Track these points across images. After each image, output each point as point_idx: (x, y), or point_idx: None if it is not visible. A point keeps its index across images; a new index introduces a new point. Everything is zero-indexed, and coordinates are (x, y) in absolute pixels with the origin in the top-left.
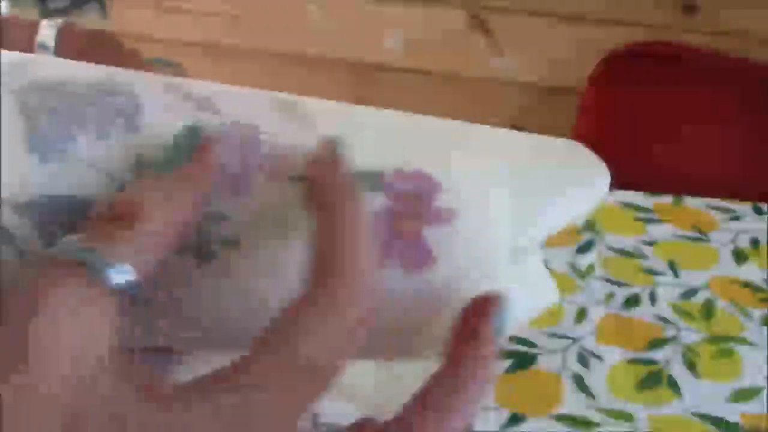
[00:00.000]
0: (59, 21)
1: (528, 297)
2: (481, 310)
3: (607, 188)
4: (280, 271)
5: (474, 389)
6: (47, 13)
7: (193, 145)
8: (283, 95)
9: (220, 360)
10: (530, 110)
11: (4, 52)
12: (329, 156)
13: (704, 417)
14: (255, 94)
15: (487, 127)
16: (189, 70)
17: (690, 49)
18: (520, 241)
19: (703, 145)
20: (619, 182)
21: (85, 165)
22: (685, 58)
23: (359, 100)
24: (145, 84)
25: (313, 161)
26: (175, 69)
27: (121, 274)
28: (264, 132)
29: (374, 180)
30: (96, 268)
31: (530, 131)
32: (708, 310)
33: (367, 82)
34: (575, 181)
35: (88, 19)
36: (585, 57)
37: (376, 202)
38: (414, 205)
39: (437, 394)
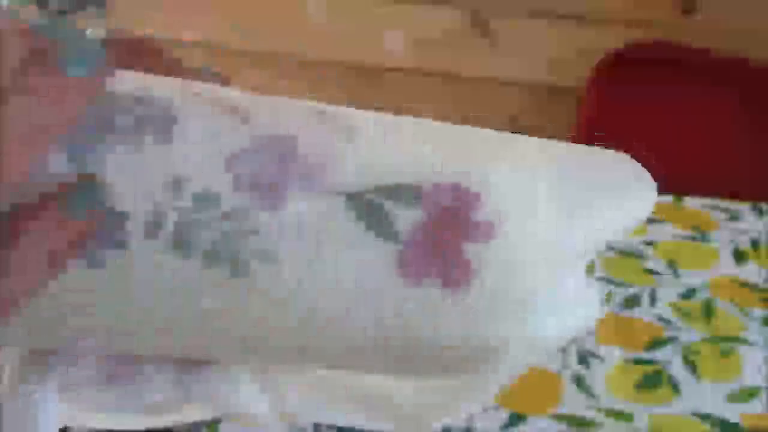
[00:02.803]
0: (98, 32)
1: (570, 313)
2: None
3: (653, 202)
4: (318, 286)
5: None
6: (48, 14)
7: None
8: (323, 106)
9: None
10: (530, 110)
11: None
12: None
13: (704, 417)
14: (294, 104)
15: (527, 136)
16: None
17: (690, 49)
18: (563, 255)
19: (703, 145)
20: None
21: (123, 179)
22: (685, 58)
23: (359, 101)
24: (181, 93)
25: None
26: (219, 77)
27: None
28: (302, 144)
29: (411, 193)
30: None
31: (530, 131)
32: (708, 310)
33: (367, 82)
34: (621, 194)
35: (88, 20)
36: (585, 57)
37: (413, 216)
38: (452, 219)
39: None
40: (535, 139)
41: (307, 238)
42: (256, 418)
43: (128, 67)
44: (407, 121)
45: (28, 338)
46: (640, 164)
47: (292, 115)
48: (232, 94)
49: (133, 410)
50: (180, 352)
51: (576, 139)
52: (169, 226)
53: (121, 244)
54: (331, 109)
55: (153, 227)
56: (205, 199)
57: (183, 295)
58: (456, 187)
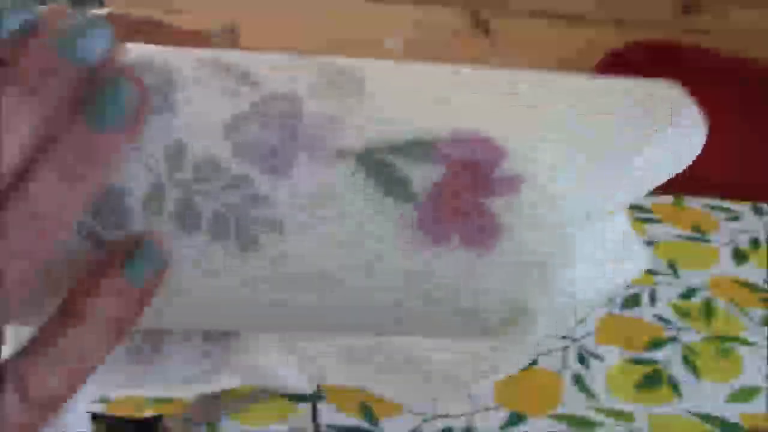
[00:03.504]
0: (102, 11)
1: (612, 265)
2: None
3: (703, 136)
4: (328, 252)
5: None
6: None
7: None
8: (331, 59)
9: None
10: None
11: None
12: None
13: (704, 417)
14: (298, 61)
15: (552, 73)
16: None
17: (690, 49)
18: (599, 203)
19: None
20: None
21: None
22: (685, 58)
23: None
24: (181, 59)
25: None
26: (224, 32)
27: None
28: (307, 103)
29: (427, 149)
30: None
31: None
32: (708, 310)
33: (323, 56)
34: (664, 130)
35: None
36: (585, 57)
37: (430, 174)
38: (474, 175)
39: (46, 340)
40: (561, 80)
41: (315, 205)
42: (285, 380)
43: (130, 40)
44: (422, 69)
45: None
46: (684, 96)
47: (295, 72)
48: (234, 55)
49: (161, 383)
50: (202, 327)
51: None
52: (171, 200)
53: (121, 225)
54: (339, 62)
55: (155, 202)
56: (207, 169)
57: (194, 271)
58: (476, 139)
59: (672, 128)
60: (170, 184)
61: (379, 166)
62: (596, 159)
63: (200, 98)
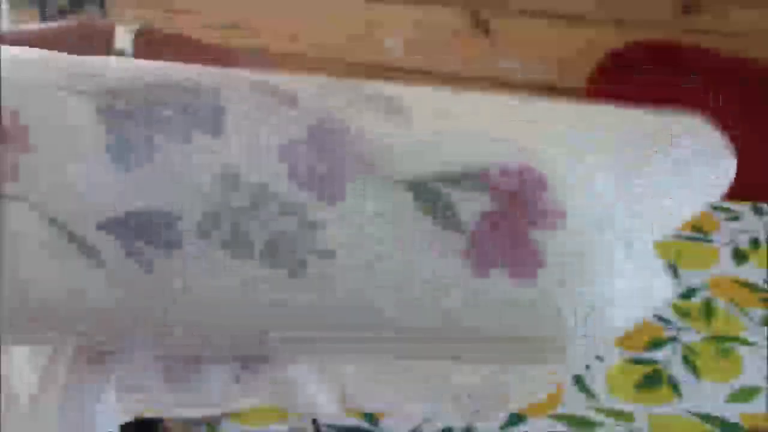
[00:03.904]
0: (136, 26)
1: (643, 294)
2: None
3: (733, 172)
4: (379, 283)
5: None
6: (47, 14)
7: None
8: (371, 86)
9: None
10: None
11: (80, 57)
12: None
13: (704, 417)
14: (342, 86)
15: (592, 106)
16: None
17: (690, 49)
18: (636, 235)
19: None
20: None
21: (169, 175)
22: (685, 58)
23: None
24: (227, 82)
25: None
26: (265, 59)
27: None
28: (355, 131)
29: (476, 180)
30: None
31: None
32: (708, 310)
33: (368, 82)
34: (698, 166)
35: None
36: (585, 57)
37: (478, 204)
38: (520, 206)
39: None
40: (600, 109)
41: (368, 232)
42: (315, 407)
43: (164, 58)
44: (460, 98)
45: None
46: (716, 132)
47: (344, 99)
48: (279, 79)
49: (192, 406)
50: (238, 351)
51: None
52: (224, 225)
53: (170, 245)
54: (379, 88)
55: (206, 226)
56: (262, 194)
57: (240, 296)
58: (523, 171)
59: (707, 163)
60: (224, 210)
61: (430, 194)
62: (636, 192)
63: (252, 123)
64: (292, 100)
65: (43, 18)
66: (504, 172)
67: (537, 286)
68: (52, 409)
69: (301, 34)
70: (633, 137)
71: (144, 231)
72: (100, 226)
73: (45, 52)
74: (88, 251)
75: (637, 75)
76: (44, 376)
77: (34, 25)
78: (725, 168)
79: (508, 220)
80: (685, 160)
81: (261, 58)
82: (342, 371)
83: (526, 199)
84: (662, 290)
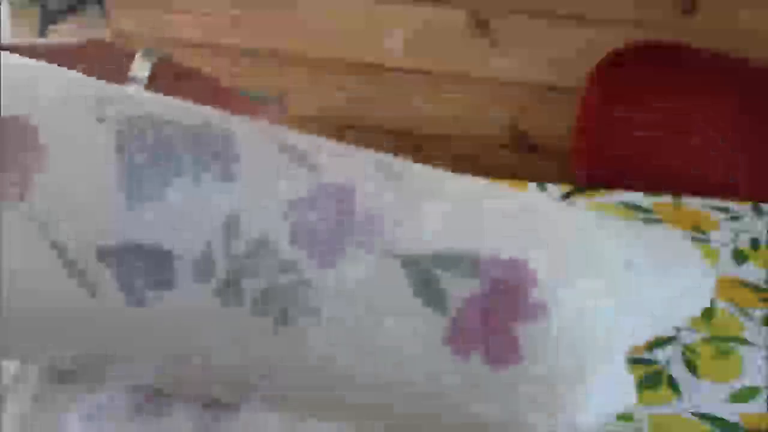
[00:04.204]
0: (155, 55)
1: (608, 401)
2: None
3: (712, 291)
4: (359, 350)
5: None
6: (48, 14)
7: None
8: (390, 160)
9: (273, 416)
10: (530, 110)
11: (103, 82)
12: None
13: (704, 417)
14: (358, 155)
15: (589, 213)
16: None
17: (690, 49)
18: (610, 345)
19: (703, 145)
20: (619, 182)
21: (177, 215)
22: (685, 58)
23: (359, 101)
24: (242, 130)
25: None
26: (276, 102)
27: None
28: (361, 199)
29: (469, 265)
30: None
31: (530, 131)
32: (708, 310)
33: (367, 82)
34: (681, 281)
35: (89, 19)
36: (585, 57)
37: (466, 289)
38: (506, 296)
39: None
40: (592, 215)
41: (357, 300)
42: None
43: (181, 94)
44: (474, 187)
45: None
46: (698, 255)
47: (355, 166)
48: (294, 136)
49: None
50: (212, 393)
51: (576, 139)
52: (220, 271)
53: (166, 284)
54: (390, 161)
55: (202, 269)
56: (261, 247)
57: (225, 341)
58: (514, 263)
59: (690, 279)
60: (222, 256)
61: (422, 273)
62: (621, 297)
63: (261, 174)
64: (302, 159)
65: (44, 17)
66: (496, 261)
67: (512, 378)
68: (14, 427)
69: (301, 34)
70: (639, 261)
71: (141, 266)
72: (98, 255)
73: (75, 73)
74: (83, 279)
75: (637, 75)
76: (8, 394)
77: (53, 40)
78: (708, 290)
79: (491, 308)
80: (669, 268)
81: (272, 107)
82: (312, 427)
83: (514, 290)
84: (626, 396)
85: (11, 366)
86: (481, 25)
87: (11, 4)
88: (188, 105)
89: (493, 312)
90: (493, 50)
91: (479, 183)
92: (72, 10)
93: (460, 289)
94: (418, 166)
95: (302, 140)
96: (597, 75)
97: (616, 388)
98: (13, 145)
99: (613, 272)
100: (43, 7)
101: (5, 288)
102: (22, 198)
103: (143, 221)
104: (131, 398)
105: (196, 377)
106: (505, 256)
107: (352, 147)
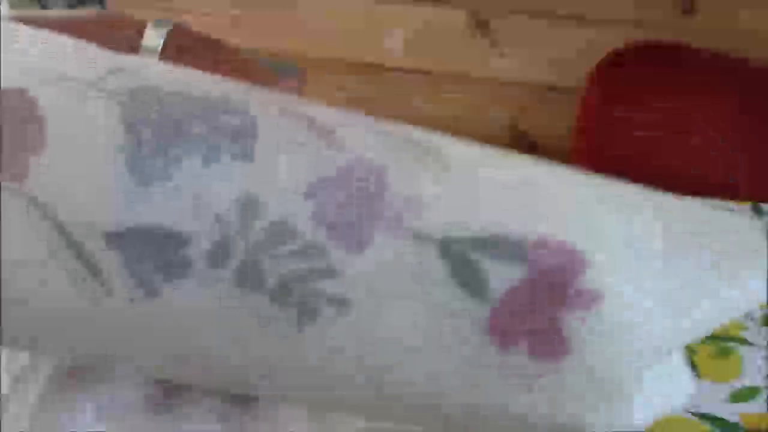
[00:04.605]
0: (169, 22)
1: (661, 396)
2: None
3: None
4: (391, 342)
5: None
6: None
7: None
8: (415, 132)
9: (300, 413)
10: (530, 110)
11: (111, 52)
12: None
13: (704, 417)
14: (383, 129)
15: (643, 193)
16: None
17: (690, 49)
18: (669, 337)
19: (703, 145)
20: None
21: (189, 196)
22: (685, 58)
23: (359, 101)
24: (263, 104)
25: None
26: (295, 72)
27: None
28: (391, 177)
29: (511, 249)
30: None
31: (530, 131)
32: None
33: (367, 82)
34: (743, 267)
35: None
36: (585, 57)
37: (509, 275)
38: (553, 283)
39: None
40: (650, 198)
41: (387, 287)
42: None
43: (196, 63)
44: (510, 160)
45: (74, 354)
46: (762, 231)
47: (381, 142)
48: (320, 109)
49: None
50: (232, 388)
51: (576, 139)
52: (237, 256)
53: (178, 270)
54: (424, 137)
55: (218, 255)
56: (281, 230)
57: (243, 332)
58: (563, 247)
59: (749, 268)
60: (239, 240)
61: (459, 257)
62: (679, 289)
63: (282, 153)
64: (328, 136)
65: None
66: (543, 244)
67: (558, 371)
68: (24, 420)
69: (301, 34)
70: (678, 229)
71: (151, 251)
72: (106, 239)
73: (79, 42)
74: (90, 265)
75: (637, 75)
76: (16, 385)
77: (59, 11)
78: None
79: (538, 296)
80: (728, 256)
81: (292, 78)
82: (338, 420)
83: (561, 277)
84: (683, 392)
85: (20, 356)
86: (481, 25)
87: (11, 3)
88: (204, 77)
89: (539, 300)
90: (493, 50)
91: (518, 160)
92: (71, 8)
93: (502, 275)
94: (453, 142)
95: (328, 114)
96: (597, 75)
97: (672, 381)
98: (11, 118)
99: (613, 249)
100: (43, 7)
101: (8, 278)
102: (22, 177)
103: (151, 203)
104: (148, 395)
105: (213, 371)
106: (552, 240)
107: (382, 121)
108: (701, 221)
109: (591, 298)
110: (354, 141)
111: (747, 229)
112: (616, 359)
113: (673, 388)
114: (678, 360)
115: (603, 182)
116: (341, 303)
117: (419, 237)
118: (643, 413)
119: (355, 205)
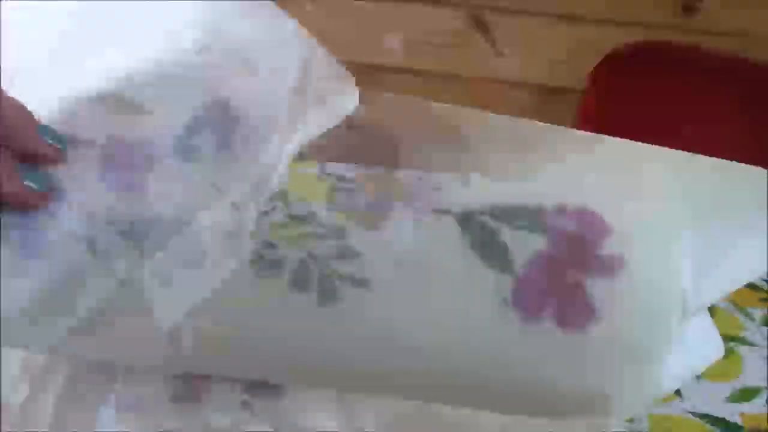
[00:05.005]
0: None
1: (694, 356)
2: None
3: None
4: (414, 317)
5: None
6: None
7: None
8: (430, 105)
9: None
10: (530, 110)
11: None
12: None
13: (704, 417)
14: (402, 101)
15: (670, 151)
16: None
17: (690, 49)
18: (696, 297)
19: (703, 145)
20: None
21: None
22: (685, 58)
23: (359, 101)
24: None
25: None
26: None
27: None
28: (406, 151)
29: (531, 217)
30: None
31: None
32: (708, 310)
33: (367, 82)
34: (763, 218)
35: None
36: (585, 57)
37: (531, 244)
38: (576, 250)
39: None
40: (671, 158)
41: (408, 263)
42: None
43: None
44: (526, 128)
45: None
46: None
47: (398, 116)
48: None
49: (197, 428)
50: (253, 375)
51: None
52: (254, 242)
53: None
54: (439, 109)
55: (236, 242)
56: (296, 212)
57: (262, 316)
58: (584, 213)
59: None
60: (254, 224)
61: (479, 229)
62: (704, 249)
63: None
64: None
65: None
66: (563, 212)
67: (585, 338)
68: (44, 420)
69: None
70: (702, 188)
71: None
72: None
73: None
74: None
75: (637, 75)
76: (36, 385)
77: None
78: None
79: (561, 264)
80: (752, 213)
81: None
82: (362, 415)
83: (584, 243)
84: (713, 352)
85: (40, 357)
86: (481, 25)
87: None
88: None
89: (562, 268)
90: (493, 50)
91: (532, 126)
92: None
93: (523, 244)
94: (468, 111)
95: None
96: (597, 75)
97: (702, 341)
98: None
99: (633, 211)
100: None
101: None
102: None
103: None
104: (169, 388)
105: (233, 357)
106: (573, 207)
107: (391, 95)
108: (720, 179)
109: (614, 263)
110: (366, 117)
111: (764, 184)
112: (644, 321)
113: (703, 348)
114: (706, 320)
115: (620, 145)
116: (362, 283)
117: (438, 211)
118: (672, 376)
119: (371, 183)
